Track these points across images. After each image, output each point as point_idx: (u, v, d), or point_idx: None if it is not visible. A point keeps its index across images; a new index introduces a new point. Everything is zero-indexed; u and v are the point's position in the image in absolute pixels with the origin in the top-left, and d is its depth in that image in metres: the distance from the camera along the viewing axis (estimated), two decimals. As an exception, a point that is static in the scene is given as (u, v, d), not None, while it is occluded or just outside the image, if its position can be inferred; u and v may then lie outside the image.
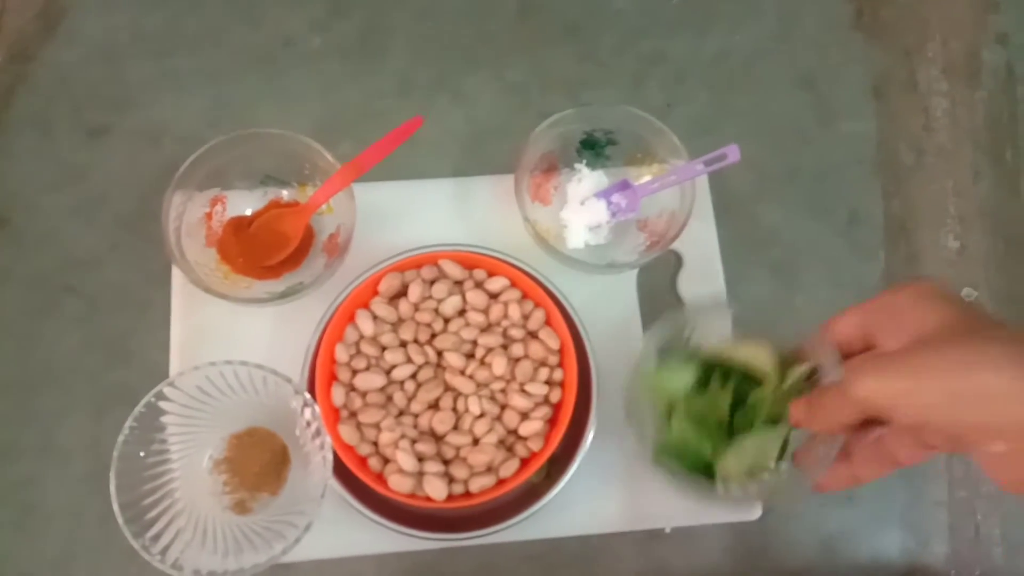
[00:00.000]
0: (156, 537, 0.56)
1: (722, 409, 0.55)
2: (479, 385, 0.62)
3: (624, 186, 0.68)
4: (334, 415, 0.61)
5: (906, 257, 0.73)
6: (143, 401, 0.57)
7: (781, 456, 0.55)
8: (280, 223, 0.66)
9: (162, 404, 0.58)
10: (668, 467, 0.56)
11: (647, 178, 0.69)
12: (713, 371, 0.57)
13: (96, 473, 0.63)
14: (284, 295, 0.63)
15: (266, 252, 0.66)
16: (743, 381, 0.57)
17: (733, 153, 0.62)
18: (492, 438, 0.60)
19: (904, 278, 0.72)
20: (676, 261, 0.70)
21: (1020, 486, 0.41)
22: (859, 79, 0.78)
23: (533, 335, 0.63)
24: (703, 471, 0.56)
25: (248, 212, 0.68)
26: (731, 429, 0.56)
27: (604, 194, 0.68)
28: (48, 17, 0.75)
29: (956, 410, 0.39)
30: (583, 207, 0.68)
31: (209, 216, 0.67)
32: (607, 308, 0.67)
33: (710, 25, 0.79)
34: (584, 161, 0.70)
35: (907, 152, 0.76)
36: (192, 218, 0.65)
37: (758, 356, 0.55)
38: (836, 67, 0.78)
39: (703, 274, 0.70)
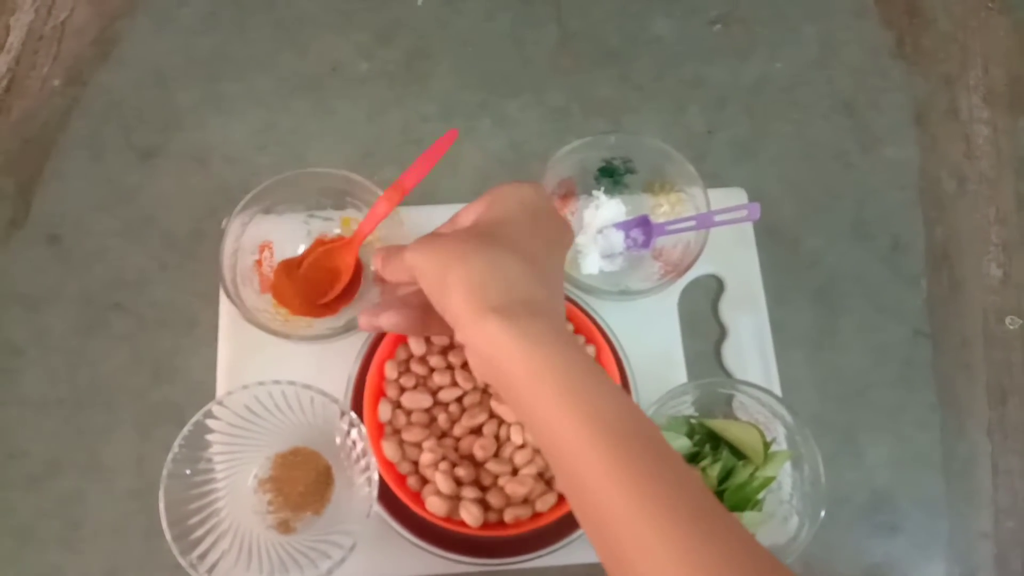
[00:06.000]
0: (203, 556, 0.56)
1: (711, 480, 0.60)
2: (523, 416, 0.62)
3: (644, 222, 0.68)
4: (379, 430, 0.62)
5: (949, 284, 0.72)
6: (192, 420, 0.57)
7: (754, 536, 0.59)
8: (329, 260, 0.67)
9: (210, 423, 0.59)
10: None
11: (664, 207, 0.69)
12: (706, 443, 0.61)
13: (141, 490, 0.64)
14: (346, 329, 0.63)
15: (320, 290, 0.67)
16: (732, 457, 0.61)
17: (754, 211, 0.63)
18: (531, 469, 0.60)
19: (947, 305, 0.72)
20: (718, 286, 0.70)
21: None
22: (900, 106, 0.78)
23: None
24: None
25: (299, 251, 0.68)
26: (719, 501, 0.60)
27: (623, 226, 0.69)
28: (103, 43, 0.77)
29: (442, 301, 0.43)
30: (600, 235, 0.69)
31: (259, 263, 0.67)
32: (649, 332, 0.67)
33: (750, 51, 0.79)
34: (602, 188, 0.70)
35: (949, 179, 0.76)
36: (244, 267, 0.66)
37: (748, 437, 0.60)
38: (877, 94, 0.78)
39: (745, 298, 0.70)
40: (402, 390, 0.62)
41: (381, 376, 0.63)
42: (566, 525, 0.60)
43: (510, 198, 0.47)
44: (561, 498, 0.60)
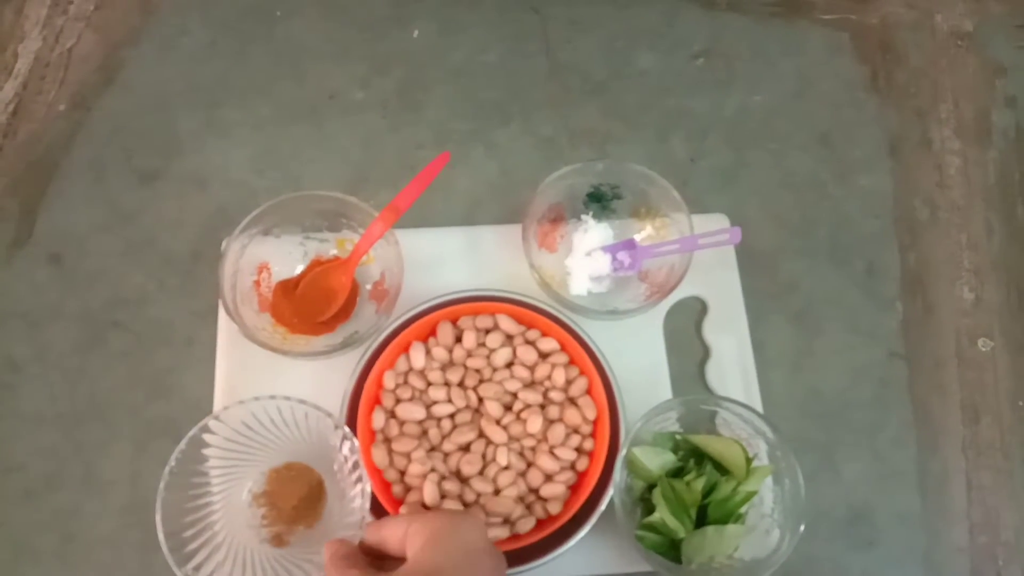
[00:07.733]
0: (197, 568, 0.57)
1: (695, 493, 0.61)
2: (511, 438, 0.63)
3: (630, 245, 0.71)
4: (370, 437, 0.63)
5: (923, 307, 0.75)
6: (189, 434, 0.58)
7: (736, 548, 0.61)
8: (326, 279, 0.69)
9: (206, 437, 0.60)
10: (645, 542, 0.60)
11: (648, 231, 0.72)
12: (691, 458, 0.63)
13: (136, 505, 0.65)
14: (344, 345, 0.65)
15: (317, 309, 0.68)
16: (716, 471, 0.63)
17: (735, 235, 0.67)
18: (513, 492, 0.62)
19: (921, 327, 0.74)
20: (701, 307, 0.73)
21: None
22: (874, 137, 0.81)
23: (572, 401, 0.65)
24: (674, 550, 0.61)
25: (296, 271, 0.70)
26: (703, 514, 0.62)
27: (610, 249, 0.71)
28: (108, 70, 0.79)
29: None
30: (588, 258, 0.71)
31: (257, 283, 0.69)
32: (635, 351, 0.70)
33: (731, 84, 0.83)
34: (591, 213, 0.73)
35: (922, 207, 0.79)
36: (243, 287, 0.67)
37: (731, 452, 0.62)
38: (852, 126, 0.81)
39: (727, 320, 0.72)
40: (398, 400, 0.64)
41: (379, 385, 0.64)
42: (545, 546, 0.61)
43: (451, 540, 0.47)
44: (540, 523, 0.62)
